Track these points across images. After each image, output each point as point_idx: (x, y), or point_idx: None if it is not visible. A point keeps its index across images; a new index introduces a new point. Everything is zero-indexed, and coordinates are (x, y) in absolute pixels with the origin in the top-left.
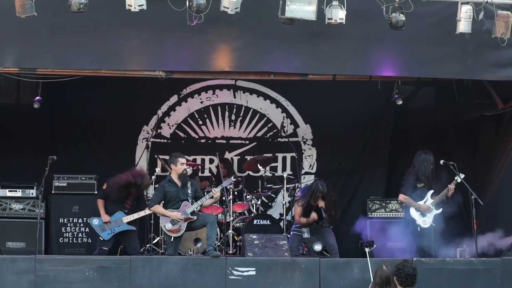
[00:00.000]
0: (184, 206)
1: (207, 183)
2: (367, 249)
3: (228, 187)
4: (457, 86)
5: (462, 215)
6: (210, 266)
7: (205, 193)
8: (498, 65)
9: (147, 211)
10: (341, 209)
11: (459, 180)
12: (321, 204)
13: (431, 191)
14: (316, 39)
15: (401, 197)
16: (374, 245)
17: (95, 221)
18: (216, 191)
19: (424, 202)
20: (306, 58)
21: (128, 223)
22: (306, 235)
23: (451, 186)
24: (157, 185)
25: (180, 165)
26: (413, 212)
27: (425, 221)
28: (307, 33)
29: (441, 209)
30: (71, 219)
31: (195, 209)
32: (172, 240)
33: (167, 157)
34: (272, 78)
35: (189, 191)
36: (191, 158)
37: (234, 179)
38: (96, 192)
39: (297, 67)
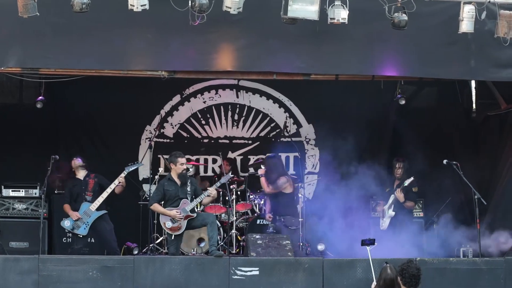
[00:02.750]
0: (183, 204)
1: (208, 183)
2: (368, 248)
3: (231, 186)
4: (460, 86)
5: (465, 214)
6: (213, 266)
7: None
8: (501, 65)
9: (108, 190)
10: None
11: (406, 184)
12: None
13: (393, 196)
14: (318, 39)
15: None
16: (376, 243)
17: (66, 223)
18: (212, 190)
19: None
20: (309, 58)
21: (97, 209)
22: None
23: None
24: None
25: (180, 165)
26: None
27: (381, 224)
28: (310, 33)
29: (394, 213)
30: None
31: (195, 206)
32: (173, 238)
33: None
34: (274, 78)
35: (189, 189)
36: (194, 158)
37: (232, 175)
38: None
39: (300, 67)
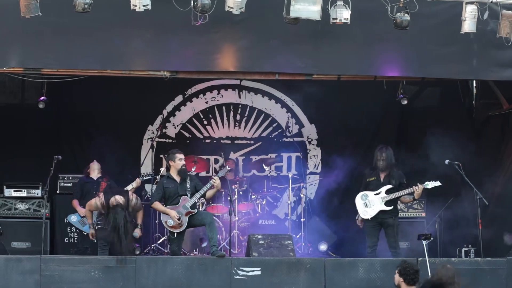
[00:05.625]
0: (183, 201)
1: None
2: (424, 242)
3: (233, 186)
4: (462, 86)
5: (467, 215)
6: (215, 266)
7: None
8: (503, 65)
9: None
10: (347, 209)
11: (429, 187)
12: None
13: (389, 186)
14: (320, 39)
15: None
16: (432, 237)
17: (73, 218)
18: (216, 179)
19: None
20: (311, 58)
21: None
22: None
23: (416, 187)
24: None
25: (179, 161)
26: (358, 199)
27: (366, 212)
28: (312, 33)
29: (392, 207)
30: None
31: (195, 202)
32: (175, 236)
33: None
34: (277, 78)
35: (188, 186)
36: (196, 158)
37: (229, 168)
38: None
39: (302, 67)
